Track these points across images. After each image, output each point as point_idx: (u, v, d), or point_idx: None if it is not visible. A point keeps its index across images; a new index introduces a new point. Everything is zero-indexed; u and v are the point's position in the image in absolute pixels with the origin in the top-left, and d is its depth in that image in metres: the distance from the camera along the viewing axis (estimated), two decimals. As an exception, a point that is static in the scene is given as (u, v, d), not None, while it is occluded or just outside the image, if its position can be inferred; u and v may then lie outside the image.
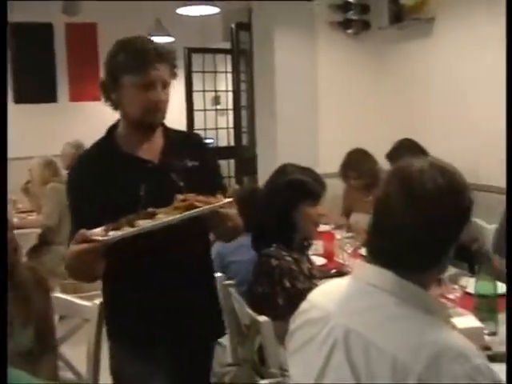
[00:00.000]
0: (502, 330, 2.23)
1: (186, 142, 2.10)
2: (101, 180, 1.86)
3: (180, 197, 1.74)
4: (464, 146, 4.07)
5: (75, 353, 2.43)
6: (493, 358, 1.99)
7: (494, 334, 2.23)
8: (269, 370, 2.04)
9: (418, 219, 1.22)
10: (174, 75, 1.97)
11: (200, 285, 2.01)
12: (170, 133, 2.04)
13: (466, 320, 2.18)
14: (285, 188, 2.37)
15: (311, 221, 2.37)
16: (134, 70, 1.82)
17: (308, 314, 1.39)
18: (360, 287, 1.30)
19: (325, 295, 1.41)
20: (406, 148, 3.48)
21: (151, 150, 1.95)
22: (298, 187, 2.35)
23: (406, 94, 4.65)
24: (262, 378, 2.10)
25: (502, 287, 2.32)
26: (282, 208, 2.34)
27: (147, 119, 1.89)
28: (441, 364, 1.09)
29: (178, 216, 1.69)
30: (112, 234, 1.64)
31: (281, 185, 2.40)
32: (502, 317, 2.24)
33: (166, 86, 1.90)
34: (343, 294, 1.33)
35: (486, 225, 3.54)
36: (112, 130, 1.99)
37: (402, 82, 4.69)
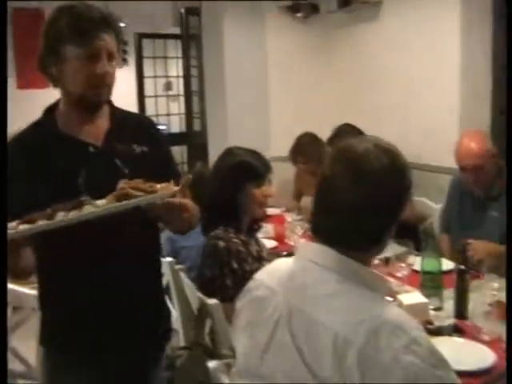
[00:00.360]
0: (447, 305, 2.29)
1: (136, 124, 1.88)
2: (35, 164, 1.67)
3: (121, 184, 1.55)
4: (413, 127, 4.13)
5: (25, 344, 2.40)
6: (438, 332, 2.06)
7: (439, 309, 2.29)
8: (220, 352, 2.05)
9: (364, 198, 1.24)
10: (120, 46, 1.74)
11: (144, 283, 1.80)
12: (117, 114, 1.83)
13: (412, 296, 2.23)
14: (230, 170, 2.38)
15: (257, 202, 2.38)
16: (77, 39, 1.62)
17: (254, 292, 1.41)
18: (303, 265, 1.32)
19: (270, 274, 1.43)
20: (346, 133, 3.51)
21: (95, 132, 1.74)
22: (242, 168, 2.36)
23: (354, 78, 4.69)
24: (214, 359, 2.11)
25: (446, 264, 2.38)
26: (228, 190, 2.34)
27: (91, 96, 1.68)
28: (380, 337, 1.12)
29: (99, 210, 1.50)
30: (22, 227, 1.46)
31: (226, 167, 2.40)
32: (447, 293, 2.30)
33: (112, 57, 1.69)
34: (287, 272, 1.35)
35: (433, 204, 3.63)
36: (51, 109, 1.77)
37: (351, 66, 4.73)
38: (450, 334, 2.08)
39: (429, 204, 3.62)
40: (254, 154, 2.43)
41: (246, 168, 2.35)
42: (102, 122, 1.78)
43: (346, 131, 3.64)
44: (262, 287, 1.39)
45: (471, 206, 2.98)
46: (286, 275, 1.35)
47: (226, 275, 2.23)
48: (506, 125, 2.03)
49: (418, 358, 1.11)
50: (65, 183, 1.65)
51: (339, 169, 1.29)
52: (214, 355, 2.02)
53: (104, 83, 1.69)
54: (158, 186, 1.58)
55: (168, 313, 1.97)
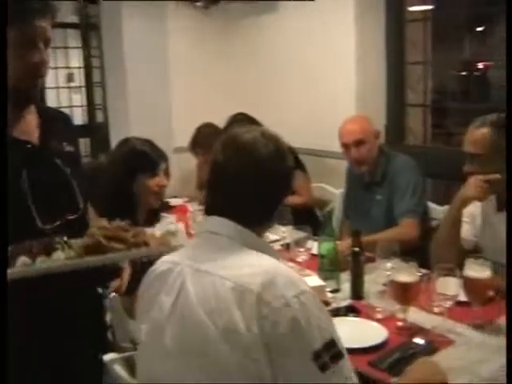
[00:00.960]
0: (344, 287, 2.37)
1: (62, 121, 1.77)
2: None
3: (93, 229, 1.41)
4: (313, 115, 4.24)
5: None
6: (335, 313, 2.13)
7: (336, 291, 2.37)
8: (119, 345, 2.03)
9: (254, 181, 1.41)
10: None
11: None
12: (43, 109, 1.69)
13: (309, 279, 2.29)
14: (123, 159, 2.35)
15: (151, 192, 2.37)
16: (10, 23, 1.47)
17: (157, 270, 1.47)
18: (203, 236, 1.45)
19: (173, 254, 1.52)
20: (239, 121, 3.54)
21: (27, 128, 1.60)
22: (135, 158, 2.34)
23: (255, 68, 4.74)
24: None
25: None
26: (121, 179, 2.31)
27: (26, 87, 1.53)
28: (274, 287, 1.25)
29: (79, 262, 1.38)
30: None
31: (120, 156, 2.37)
32: (344, 275, 2.38)
33: (47, 44, 1.56)
34: (189, 246, 1.52)
35: (333, 190, 3.73)
36: None
37: (250, 57, 4.77)
38: (346, 315, 2.15)
39: (329, 189, 3.72)
40: (149, 143, 2.40)
41: (139, 157, 2.33)
42: (32, 118, 1.65)
43: (239, 119, 3.66)
44: (164, 263, 1.47)
45: (361, 191, 3.11)
46: (188, 248, 1.50)
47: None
48: (506, 125, 2.14)
49: (305, 306, 1.25)
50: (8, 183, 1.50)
51: (230, 155, 1.43)
52: (113, 349, 2.00)
53: (39, 73, 1.56)
54: (147, 234, 1.52)
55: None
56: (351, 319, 2.11)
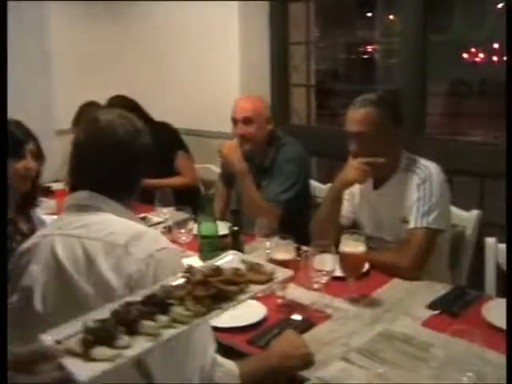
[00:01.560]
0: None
1: None
2: None
3: (200, 274, 1.17)
4: (195, 97, 4.20)
5: None
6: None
7: (217, 271, 2.35)
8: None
9: (115, 160, 1.52)
10: None
11: None
12: None
13: (189, 261, 2.24)
14: None
15: (18, 175, 2.23)
16: None
17: (22, 247, 1.54)
18: (71, 209, 1.52)
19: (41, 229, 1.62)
20: (118, 105, 3.42)
21: None
22: None
23: (140, 55, 4.63)
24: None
25: (222, 227, 2.44)
26: None
27: None
28: (140, 241, 1.35)
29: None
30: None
31: None
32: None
33: None
34: (57, 219, 1.58)
35: (218, 170, 3.69)
36: None
37: (136, 43, 4.65)
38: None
39: (214, 170, 3.69)
40: (16, 124, 2.26)
41: None
42: None
43: (117, 103, 3.54)
44: (33, 239, 1.54)
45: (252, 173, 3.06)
46: (57, 220, 1.57)
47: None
48: (505, 125, 2.11)
49: (167, 260, 1.36)
50: None
51: (90, 135, 1.54)
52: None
53: None
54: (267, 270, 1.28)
55: None
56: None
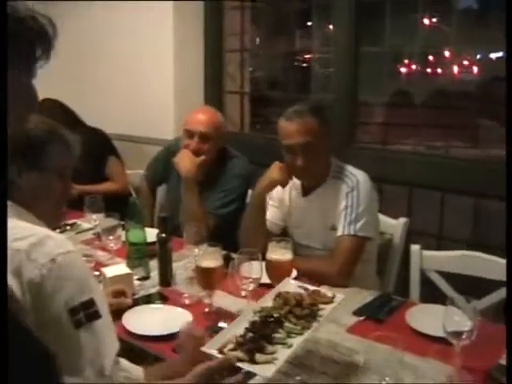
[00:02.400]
0: (154, 274, 2.32)
1: None
2: None
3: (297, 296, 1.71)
4: (129, 103, 4.15)
5: None
6: (142, 301, 2.08)
7: (145, 278, 2.31)
8: None
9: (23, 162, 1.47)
10: None
11: None
12: None
13: (116, 268, 2.21)
14: None
15: None
16: None
17: None
18: None
19: None
20: (48, 107, 3.33)
21: None
22: None
23: (75, 60, 4.53)
24: None
25: (149, 235, 2.40)
26: None
27: None
28: (42, 246, 1.27)
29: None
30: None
31: None
32: (153, 263, 2.33)
33: None
34: None
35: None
36: None
37: (69, 43, 4.52)
38: (153, 302, 2.11)
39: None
40: None
41: None
42: None
43: (48, 105, 3.45)
44: None
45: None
46: None
47: None
48: (506, 125, 2.07)
49: (70, 264, 1.28)
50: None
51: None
52: None
53: None
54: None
55: None
56: (157, 306, 2.07)
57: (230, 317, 1.99)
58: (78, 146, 1.60)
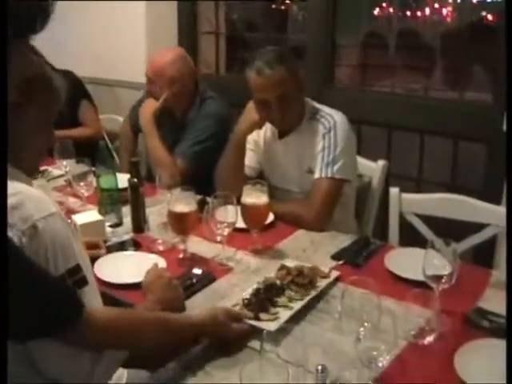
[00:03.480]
0: (126, 220, 2.26)
1: None
2: None
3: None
4: (100, 45, 4.00)
5: None
6: (114, 248, 2.02)
7: (117, 225, 2.24)
8: None
9: None
10: None
11: None
12: None
13: (87, 215, 2.14)
14: None
15: None
16: None
17: None
18: None
19: None
20: None
21: None
22: None
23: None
24: None
25: (122, 180, 2.31)
26: None
27: None
28: (21, 209, 1.16)
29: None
30: None
31: None
32: (126, 209, 2.26)
33: None
34: None
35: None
36: None
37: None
38: (126, 249, 2.05)
39: (119, 120, 3.53)
40: None
41: None
42: None
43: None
44: None
45: (169, 129, 2.91)
46: None
47: None
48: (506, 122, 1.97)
49: (52, 229, 1.18)
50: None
51: None
52: None
53: None
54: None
55: None
56: (130, 253, 2.01)
57: (204, 263, 1.95)
58: (63, 91, 1.43)
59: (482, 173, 3.01)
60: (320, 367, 1.30)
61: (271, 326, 1.52)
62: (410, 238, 2.30)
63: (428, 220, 2.31)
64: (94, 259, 1.88)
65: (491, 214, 2.18)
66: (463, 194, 2.30)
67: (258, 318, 1.57)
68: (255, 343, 1.49)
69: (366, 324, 1.36)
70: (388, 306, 1.56)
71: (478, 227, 2.23)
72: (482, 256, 2.60)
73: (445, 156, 3.16)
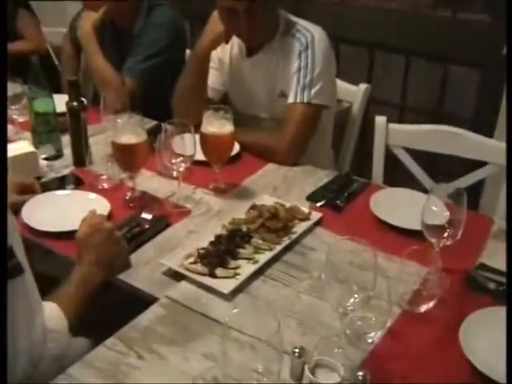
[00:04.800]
0: (66, 152, 1.91)
1: None
2: None
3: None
4: None
5: None
6: (51, 186, 1.69)
7: (55, 157, 1.91)
8: None
9: None
10: None
11: None
12: None
13: (17, 146, 1.79)
14: None
15: None
16: None
17: None
18: None
19: None
20: None
21: None
22: None
23: None
24: None
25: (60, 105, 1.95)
26: None
27: None
28: None
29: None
30: None
31: None
32: (66, 138, 1.91)
33: None
34: None
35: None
36: None
37: None
38: (65, 187, 1.71)
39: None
40: None
41: None
42: None
43: None
44: None
45: (110, 40, 2.52)
46: None
47: None
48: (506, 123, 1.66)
49: None
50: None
51: None
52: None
53: None
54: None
55: None
56: (64, 193, 1.68)
57: (156, 204, 1.64)
58: None
59: (473, 101, 2.73)
60: (297, 350, 1.02)
61: (225, 287, 1.26)
62: (395, 175, 2.01)
63: (416, 154, 2.02)
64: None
65: (491, 150, 1.89)
66: (450, 124, 2.00)
67: (213, 275, 1.31)
68: (214, 311, 1.21)
69: (355, 288, 1.07)
70: (378, 261, 1.26)
71: (475, 164, 1.95)
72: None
73: (432, 81, 2.86)
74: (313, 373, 0.98)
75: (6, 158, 1.03)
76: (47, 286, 1.14)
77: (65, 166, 1.87)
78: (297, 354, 1.01)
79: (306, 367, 0.98)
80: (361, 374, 0.97)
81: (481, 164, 1.93)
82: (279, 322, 0.88)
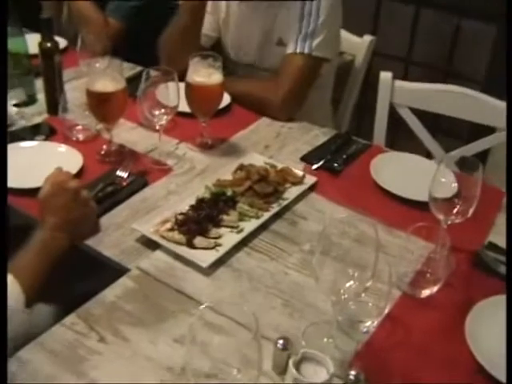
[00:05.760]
0: (40, 97, 1.74)
1: None
2: None
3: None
4: None
5: None
6: (20, 136, 1.53)
7: (28, 103, 1.73)
8: None
9: None
10: None
11: None
12: None
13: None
14: None
15: None
16: None
17: None
18: None
19: None
20: None
21: None
22: None
23: None
24: None
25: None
26: None
27: None
28: None
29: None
30: None
31: None
32: (39, 82, 1.73)
33: None
34: None
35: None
36: None
37: None
38: (34, 138, 1.55)
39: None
40: None
41: None
42: None
43: None
44: None
45: None
46: None
47: None
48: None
49: None
50: None
51: None
52: None
53: None
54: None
55: None
56: (29, 144, 1.51)
57: (134, 159, 1.48)
58: None
59: (485, 59, 2.55)
60: (281, 341, 0.88)
61: (205, 259, 1.12)
62: (397, 136, 1.85)
63: (422, 115, 1.86)
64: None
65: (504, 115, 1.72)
66: (458, 84, 1.83)
67: (191, 245, 1.17)
68: (190, 287, 1.07)
69: (350, 268, 0.93)
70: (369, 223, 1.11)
71: (487, 129, 1.79)
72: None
73: (442, 35, 2.67)
74: (298, 368, 0.84)
75: (5, 158, 0.95)
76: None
77: (37, 113, 1.70)
78: (280, 346, 0.87)
79: (290, 362, 0.84)
80: (353, 373, 0.84)
81: (490, 128, 1.77)
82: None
